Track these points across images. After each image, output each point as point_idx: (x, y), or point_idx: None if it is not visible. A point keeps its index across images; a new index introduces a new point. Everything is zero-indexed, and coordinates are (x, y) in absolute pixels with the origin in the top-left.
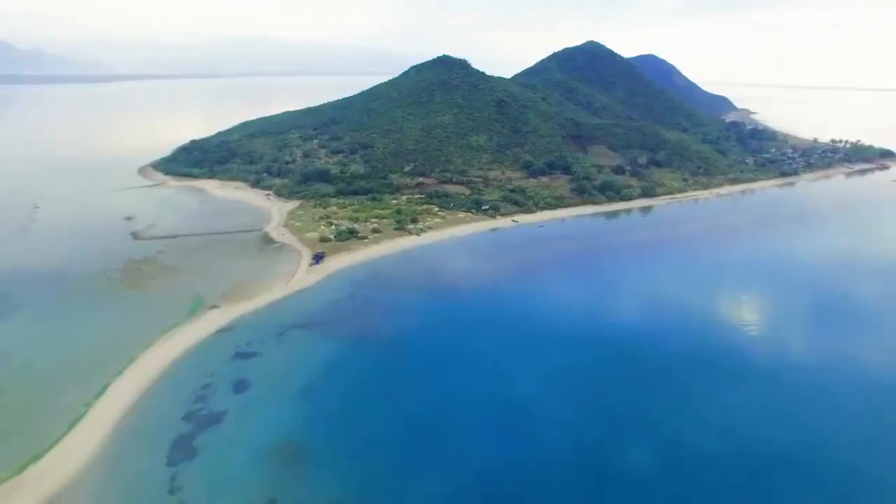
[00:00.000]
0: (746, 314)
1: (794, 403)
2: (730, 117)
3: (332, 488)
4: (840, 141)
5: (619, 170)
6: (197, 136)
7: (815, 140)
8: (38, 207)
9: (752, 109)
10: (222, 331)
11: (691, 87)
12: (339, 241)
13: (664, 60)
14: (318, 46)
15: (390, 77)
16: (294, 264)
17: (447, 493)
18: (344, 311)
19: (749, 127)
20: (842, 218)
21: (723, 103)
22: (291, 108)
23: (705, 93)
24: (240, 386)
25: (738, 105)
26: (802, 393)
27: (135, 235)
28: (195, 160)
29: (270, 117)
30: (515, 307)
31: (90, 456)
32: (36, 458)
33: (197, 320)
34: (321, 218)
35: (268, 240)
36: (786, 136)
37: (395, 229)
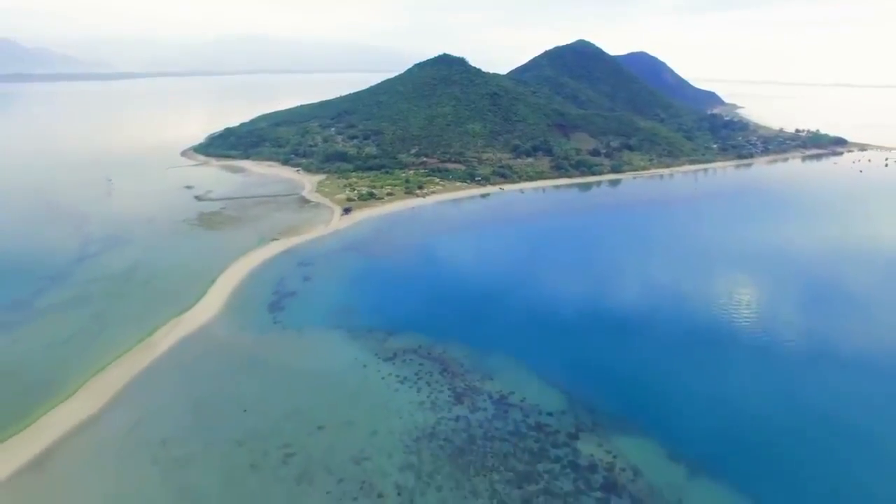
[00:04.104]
0: (668, 243)
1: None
2: (715, 111)
3: (374, 322)
4: (802, 130)
5: (594, 152)
6: (217, 128)
7: (781, 130)
8: (112, 181)
9: (739, 104)
10: (284, 252)
11: (680, 83)
12: (361, 200)
13: (655, 58)
14: (320, 45)
15: (394, 74)
16: (329, 215)
17: (436, 324)
18: (371, 242)
19: (725, 118)
20: (773, 187)
21: (711, 98)
22: (304, 102)
23: (694, 88)
24: (305, 279)
25: (727, 100)
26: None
27: (198, 198)
28: (231, 144)
29: (289, 109)
30: (494, 237)
31: (218, 310)
32: (186, 309)
33: (264, 247)
34: (345, 186)
35: (304, 200)
36: (757, 126)
37: (405, 193)
